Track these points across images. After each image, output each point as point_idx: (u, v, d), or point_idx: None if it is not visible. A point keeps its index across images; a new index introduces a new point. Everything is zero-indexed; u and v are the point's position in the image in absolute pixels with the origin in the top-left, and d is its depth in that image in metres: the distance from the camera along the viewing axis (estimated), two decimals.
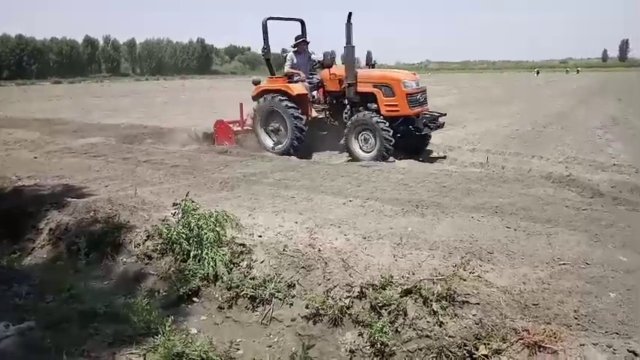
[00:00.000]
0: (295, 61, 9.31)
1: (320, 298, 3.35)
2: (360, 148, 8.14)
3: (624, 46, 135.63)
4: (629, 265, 3.53)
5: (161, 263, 4.25)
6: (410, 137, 8.27)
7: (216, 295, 3.79)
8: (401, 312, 3.08)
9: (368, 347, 3.04)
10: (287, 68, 9.28)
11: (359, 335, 3.15)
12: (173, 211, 4.36)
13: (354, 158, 8.08)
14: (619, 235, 4.12)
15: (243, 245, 4.08)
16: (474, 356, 2.74)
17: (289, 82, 8.82)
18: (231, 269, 3.89)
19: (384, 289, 3.18)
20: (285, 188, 5.93)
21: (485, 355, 2.71)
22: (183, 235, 4.06)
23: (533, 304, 3.01)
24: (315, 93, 9.13)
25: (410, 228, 4.39)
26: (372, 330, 3.01)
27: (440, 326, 2.94)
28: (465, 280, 3.29)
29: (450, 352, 2.80)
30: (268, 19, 9.02)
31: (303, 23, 9.78)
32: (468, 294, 3.12)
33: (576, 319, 2.85)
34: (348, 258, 3.74)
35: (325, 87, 9.04)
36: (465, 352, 2.78)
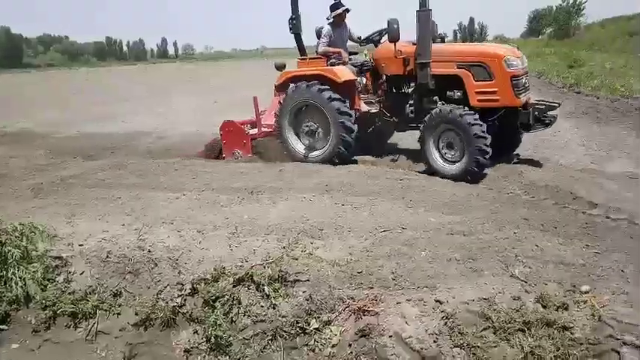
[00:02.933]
0: (334, 36, 6.87)
1: (150, 302, 3.17)
2: (442, 156, 5.76)
3: None
4: (437, 224, 3.98)
5: None
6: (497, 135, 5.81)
7: (30, 318, 3.34)
8: (235, 301, 3.06)
9: (204, 343, 2.97)
10: (323, 46, 6.83)
11: (194, 333, 3.05)
12: None
13: (431, 170, 5.78)
14: (429, 200, 4.62)
15: (60, 258, 3.66)
16: (306, 331, 2.84)
17: (331, 65, 6.54)
18: (45, 287, 3.45)
19: (217, 282, 3.12)
20: (111, 189, 5.46)
21: (317, 328, 2.83)
22: None
23: (358, 272, 3.22)
24: (361, 79, 6.76)
25: (246, 215, 4.38)
26: (205, 325, 2.94)
27: (273, 308, 2.99)
28: (296, 259, 3.39)
29: (284, 331, 2.86)
30: None
31: None
32: (299, 272, 3.22)
33: (394, 280, 3.12)
34: (180, 255, 3.59)
35: (383, 69, 6.58)
36: (297, 328, 2.87)
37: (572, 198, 4.68)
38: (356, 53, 7.35)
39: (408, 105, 6.36)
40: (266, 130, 7.30)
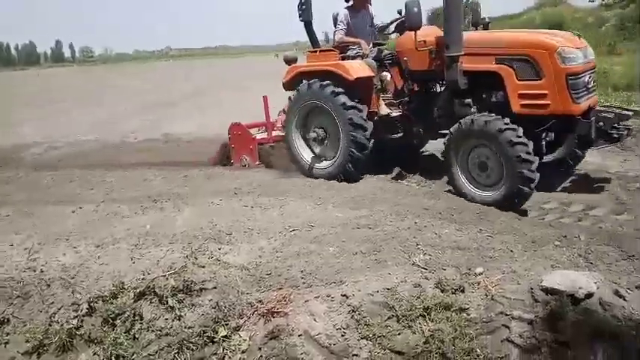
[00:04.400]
0: (353, 23, 5.85)
1: (42, 328, 2.92)
2: (474, 179, 4.62)
3: None
4: (344, 219, 4.06)
5: None
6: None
7: None
8: (137, 317, 2.90)
9: None
10: (339, 35, 5.83)
11: (94, 355, 2.86)
12: None
13: (459, 194, 4.66)
14: (337, 196, 4.71)
15: None
16: (214, 340, 2.77)
17: (344, 59, 5.50)
18: None
19: (116, 298, 2.95)
20: None
21: (225, 336, 2.77)
22: None
23: (267, 274, 3.20)
24: (385, 75, 5.50)
25: (149, 225, 4.18)
26: (105, 345, 2.76)
27: (179, 320, 2.87)
28: (203, 266, 3.29)
29: (191, 342, 2.76)
30: None
31: None
32: (205, 280, 3.12)
33: (302, 278, 3.12)
34: (77, 273, 3.35)
35: (405, 63, 5.35)
36: (205, 338, 2.78)
37: None
38: (381, 44, 6.09)
39: (436, 108, 5.22)
40: (277, 134, 6.42)
